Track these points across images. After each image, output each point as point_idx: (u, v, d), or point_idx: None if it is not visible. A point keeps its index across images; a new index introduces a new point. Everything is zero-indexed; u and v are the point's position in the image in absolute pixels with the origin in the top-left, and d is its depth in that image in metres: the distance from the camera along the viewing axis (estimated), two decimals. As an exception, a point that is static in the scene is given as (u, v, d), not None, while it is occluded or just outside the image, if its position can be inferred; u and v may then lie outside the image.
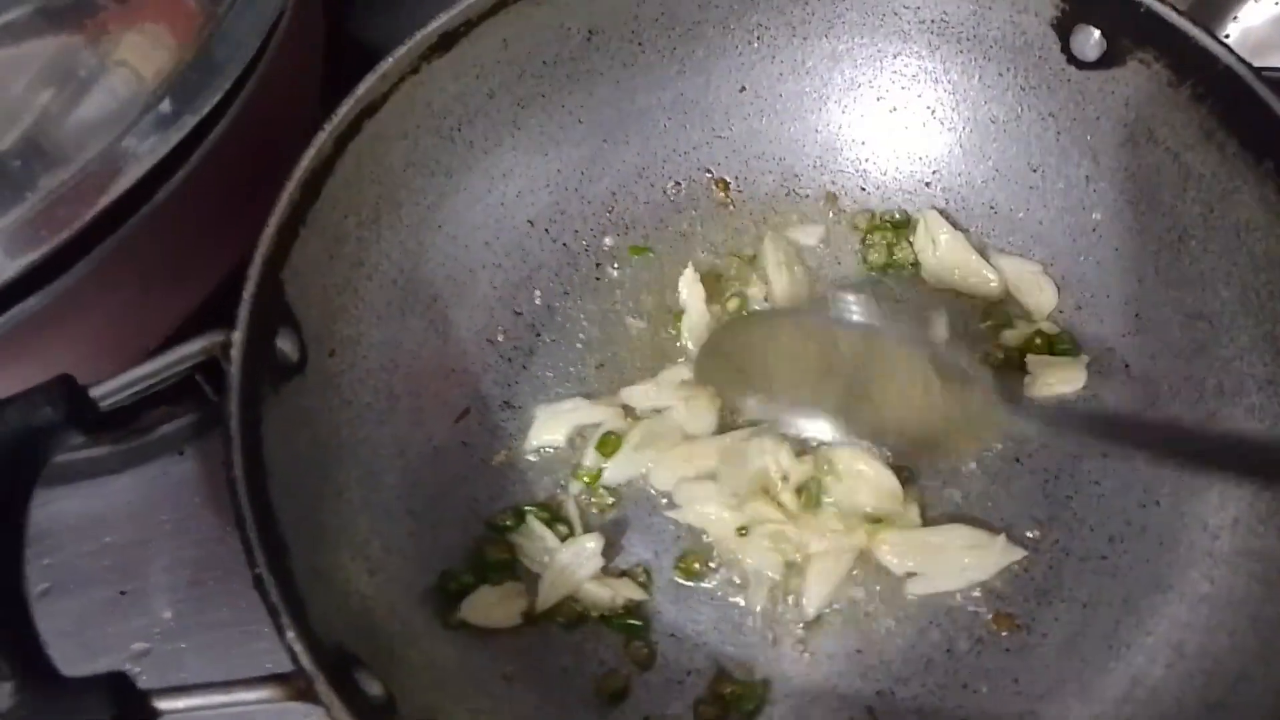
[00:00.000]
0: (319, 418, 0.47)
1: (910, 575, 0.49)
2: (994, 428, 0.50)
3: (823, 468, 0.50)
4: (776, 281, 0.55)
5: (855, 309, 0.50)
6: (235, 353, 0.42)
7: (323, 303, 0.48)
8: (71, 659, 0.35)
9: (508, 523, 0.51)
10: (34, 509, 0.38)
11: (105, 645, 0.54)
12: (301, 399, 0.46)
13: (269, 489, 0.41)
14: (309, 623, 0.38)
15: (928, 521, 0.50)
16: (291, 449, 0.44)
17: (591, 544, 0.49)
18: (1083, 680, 0.46)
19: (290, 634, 0.37)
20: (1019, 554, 0.49)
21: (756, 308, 0.55)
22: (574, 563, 0.49)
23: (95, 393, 0.40)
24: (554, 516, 0.51)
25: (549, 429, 0.53)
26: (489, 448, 0.53)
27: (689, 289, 0.55)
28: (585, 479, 0.52)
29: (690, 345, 0.54)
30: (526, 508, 0.51)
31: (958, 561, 0.49)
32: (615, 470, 0.52)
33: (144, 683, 0.35)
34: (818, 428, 0.51)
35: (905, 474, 0.51)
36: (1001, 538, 0.49)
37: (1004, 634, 0.48)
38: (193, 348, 0.43)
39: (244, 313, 0.43)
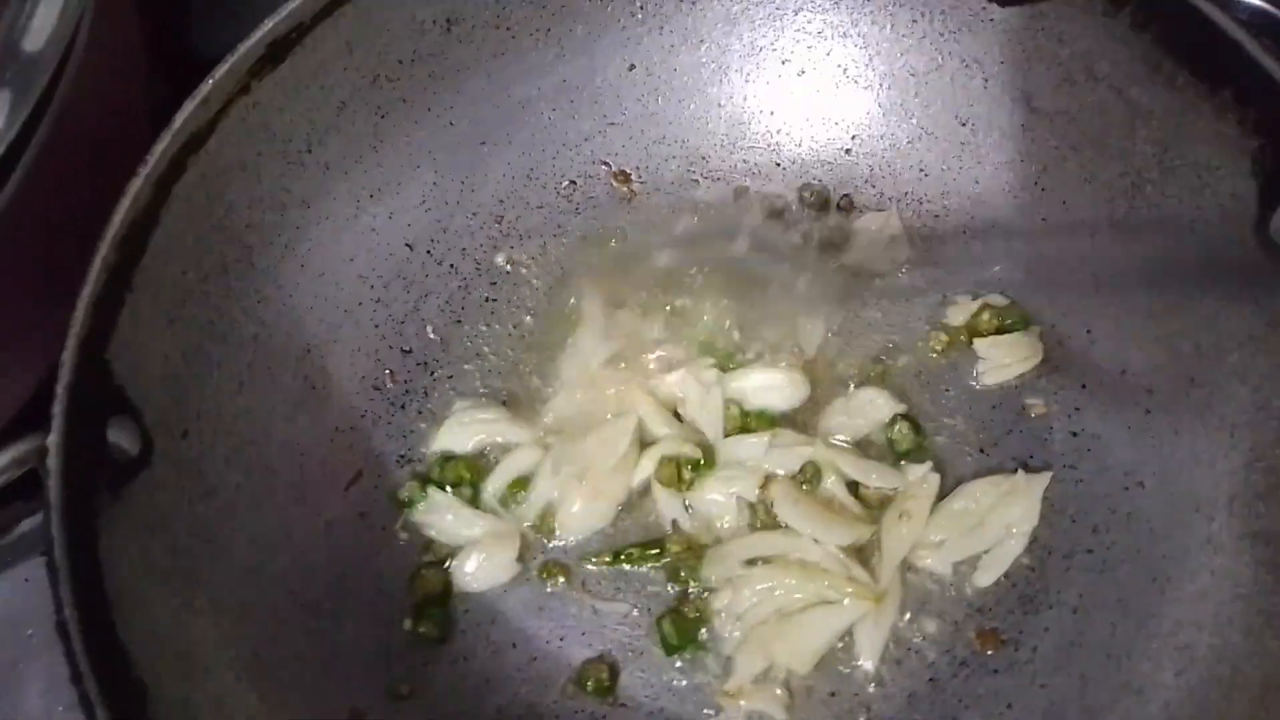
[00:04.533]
0: (177, 515, 0.40)
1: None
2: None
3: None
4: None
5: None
6: (53, 461, 0.35)
7: (166, 377, 0.41)
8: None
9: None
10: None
11: (-24, 793, 0.47)
12: (151, 497, 0.39)
13: (115, 624, 0.34)
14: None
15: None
16: (144, 562, 0.37)
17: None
18: (1084, 699, 0.41)
19: (149, 812, 0.30)
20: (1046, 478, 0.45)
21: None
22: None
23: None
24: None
25: (456, 437, 0.47)
26: (390, 514, 0.46)
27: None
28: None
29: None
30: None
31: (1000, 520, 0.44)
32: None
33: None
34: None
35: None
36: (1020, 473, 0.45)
37: (990, 652, 0.43)
38: (2, 461, 0.36)
39: (59, 410, 0.36)
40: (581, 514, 0.46)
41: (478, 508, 0.46)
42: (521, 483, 0.46)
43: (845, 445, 0.47)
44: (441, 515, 0.46)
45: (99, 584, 0.35)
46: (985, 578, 0.44)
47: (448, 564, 0.45)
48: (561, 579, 0.45)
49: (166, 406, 0.41)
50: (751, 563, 0.44)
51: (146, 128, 0.53)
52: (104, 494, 0.37)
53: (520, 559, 0.45)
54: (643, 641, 0.44)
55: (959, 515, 0.45)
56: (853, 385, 0.48)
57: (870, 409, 0.47)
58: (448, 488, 0.46)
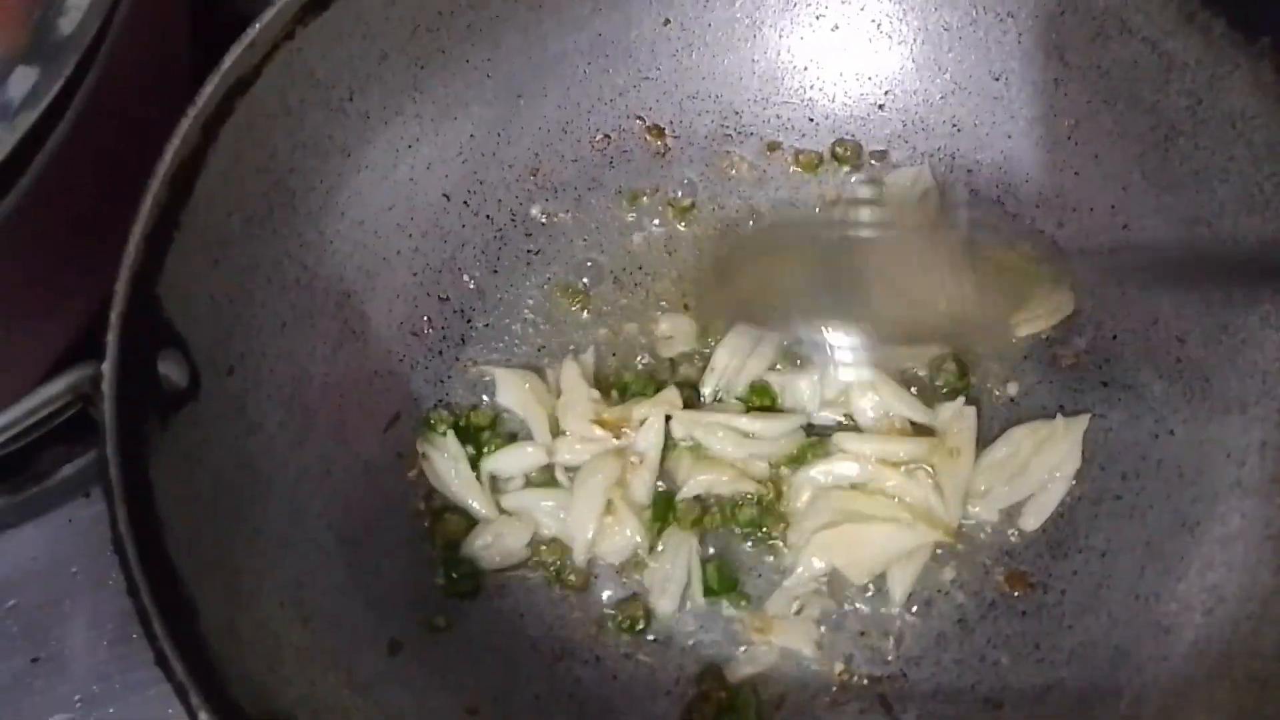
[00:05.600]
0: (222, 448, 0.41)
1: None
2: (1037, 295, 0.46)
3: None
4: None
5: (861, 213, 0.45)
6: (107, 387, 0.36)
7: (212, 316, 0.42)
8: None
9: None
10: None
11: (21, 722, 0.49)
12: (198, 430, 0.40)
13: (166, 542, 0.35)
14: (229, 696, 0.33)
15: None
16: (191, 490, 0.38)
17: None
18: (1113, 640, 0.42)
19: (203, 716, 0.31)
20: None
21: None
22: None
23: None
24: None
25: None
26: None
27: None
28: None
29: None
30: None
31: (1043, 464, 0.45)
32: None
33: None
34: (843, 340, 0.45)
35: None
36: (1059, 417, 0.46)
37: (1018, 595, 0.44)
38: (56, 387, 0.37)
39: (113, 339, 0.37)
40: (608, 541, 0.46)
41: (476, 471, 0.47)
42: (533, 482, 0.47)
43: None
44: (448, 468, 0.46)
45: (151, 505, 0.36)
46: (1031, 522, 0.45)
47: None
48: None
49: (212, 343, 0.42)
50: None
51: (188, 86, 0.54)
52: (154, 422, 0.38)
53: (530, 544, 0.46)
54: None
55: (1002, 462, 0.45)
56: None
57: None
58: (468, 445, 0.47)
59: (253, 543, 0.41)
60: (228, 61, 0.42)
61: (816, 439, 0.47)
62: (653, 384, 0.48)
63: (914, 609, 0.44)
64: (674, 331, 0.50)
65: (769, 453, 0.46)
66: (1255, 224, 0.43)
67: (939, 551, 0.44)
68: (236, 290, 0.43)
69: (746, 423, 0.46)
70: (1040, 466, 0.45)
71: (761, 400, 0.47)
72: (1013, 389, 0.47)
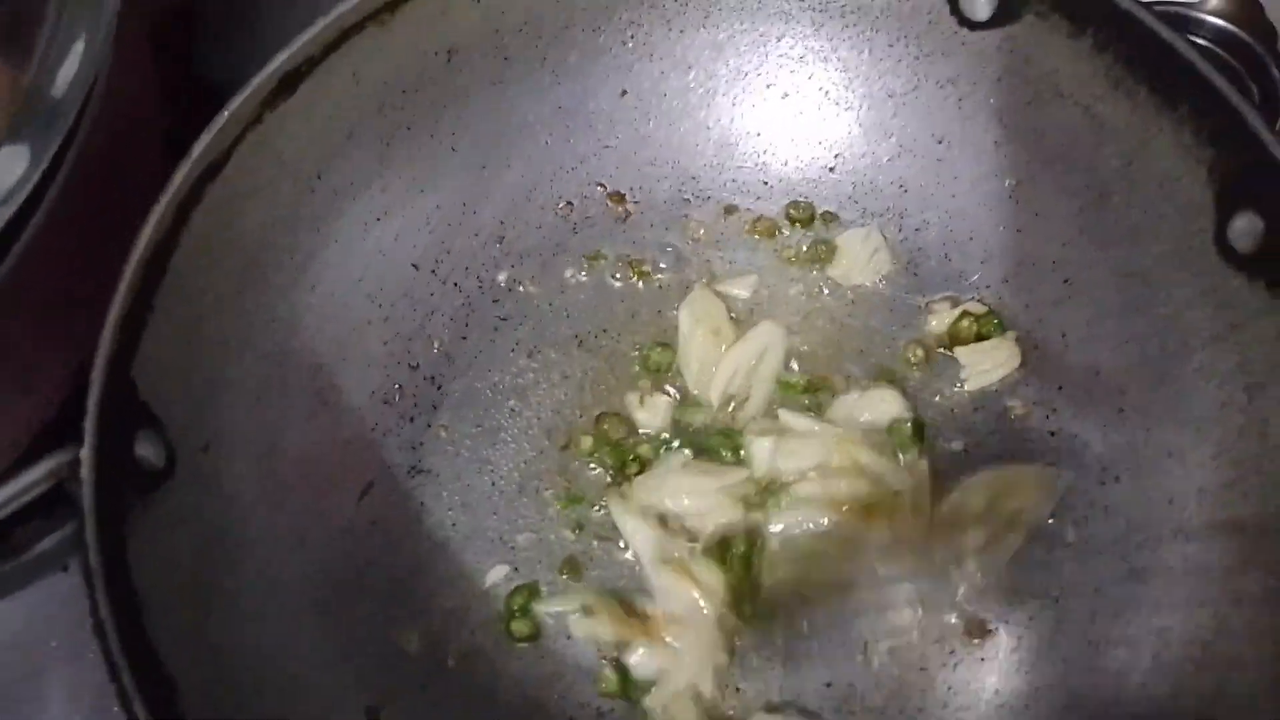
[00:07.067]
0: (199, 524, 0.42)
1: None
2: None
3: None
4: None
5: None
6: (85, 472, 0.37)
7: (186, 394, 0.43)
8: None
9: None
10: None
11: (2, 800, 0.49)
12: (175, 507, 0.41)
13: (145, 623, 0.36)
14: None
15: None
16: (169, 566, 0.39)
17: None
18: (1067, 683, 0.43)
19: (185, 796, 0.32)
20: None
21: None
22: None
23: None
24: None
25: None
26: (400, 522, 0.48)
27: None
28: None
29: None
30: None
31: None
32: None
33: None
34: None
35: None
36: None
37: (976, 642, 0.45)
38: (36, 474, 0.38)
39: (90, 425, 0.38)
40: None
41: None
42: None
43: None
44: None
45: (130, 586, 0.37)
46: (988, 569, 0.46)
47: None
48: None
49: (187, 421, 0.43)
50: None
51: (160, 154, 0.56)
52: (132, 502, 0.39)
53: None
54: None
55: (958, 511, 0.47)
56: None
57: (881, 406, 0.49)
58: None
59: (230, 615, 0.41)
60: (198, 149, 0.43)
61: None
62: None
63: (877, 659, 0.45)
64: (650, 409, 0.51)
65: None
66: (1186, 279, 0.45)
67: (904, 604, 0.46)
68: (210, 367, 0.44)
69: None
70: (1003, 510, 0.47)
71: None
72: (959, 444, 0.49)
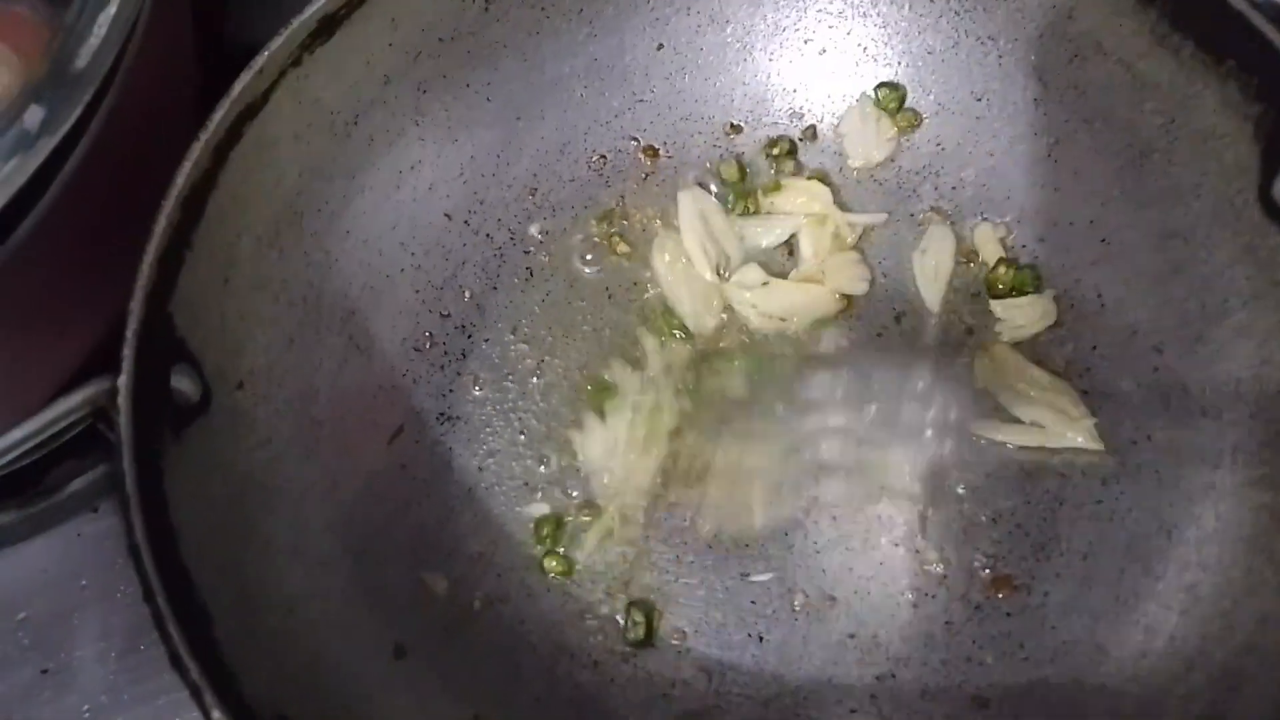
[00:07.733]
0: (232, 461, 0.42)
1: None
2: None
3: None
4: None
5: None
6: (123, 401, 0.37)
7: (222, 333, 0.43)
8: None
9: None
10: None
11: (32, 733, 0.50)
12: (209, 443, 0.41)
13: (180, 551, 0.37)
14: (242, 699, 0.34)
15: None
16: (204, 500, 0.40)
17: None
18: (1094, 638, 0.43)
19: (216, 715, 0.32)
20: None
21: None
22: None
23: (-25, 462, 0.36)
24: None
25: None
26: (429, 467, 0.48)
27: None
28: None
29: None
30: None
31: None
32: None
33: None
34: None
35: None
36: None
37: (1002, 597, 0.45)
38: (74, 400, 0.38)
39: (128, 355, 0.38)
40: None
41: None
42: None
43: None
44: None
45: (165, 515, 0.37)
46: None
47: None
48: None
49: (222, 359, 0.43)
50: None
51: (194, 111, 0.56)
52: (168, 435, 0.39)
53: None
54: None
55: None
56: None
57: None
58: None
59: (262, 553, 0.42)
60: (237, 88, 0.43)
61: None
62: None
63: (902, 612, 0.45)
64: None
65: None
66: (1227, 237, 0.45)
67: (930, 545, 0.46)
68: (245, 308, 0.45)
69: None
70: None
71: None
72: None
